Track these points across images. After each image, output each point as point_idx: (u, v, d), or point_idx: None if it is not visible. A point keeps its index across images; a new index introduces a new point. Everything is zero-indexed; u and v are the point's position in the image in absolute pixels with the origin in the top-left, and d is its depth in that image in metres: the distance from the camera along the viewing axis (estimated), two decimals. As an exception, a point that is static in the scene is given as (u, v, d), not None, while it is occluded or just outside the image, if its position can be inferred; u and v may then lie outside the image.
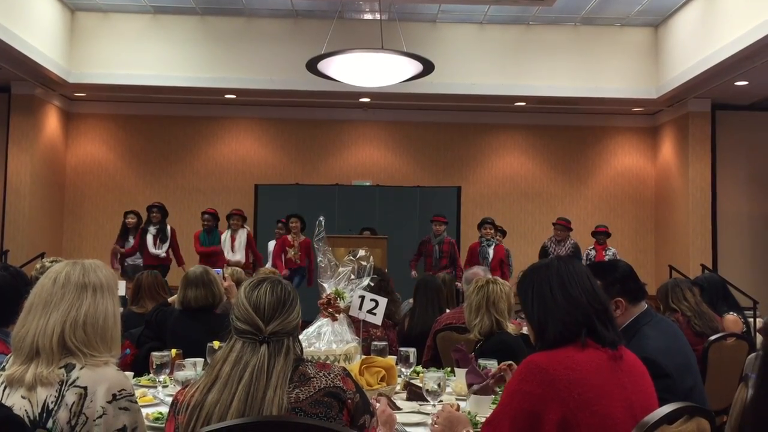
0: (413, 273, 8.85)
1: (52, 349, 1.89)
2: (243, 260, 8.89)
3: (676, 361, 2.69)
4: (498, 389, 2.94)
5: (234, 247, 9.06)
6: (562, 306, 2.07)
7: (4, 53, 8.52)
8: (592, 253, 9.07)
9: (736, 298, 8.97)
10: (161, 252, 8.96)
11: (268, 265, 9.05)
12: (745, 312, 8.18)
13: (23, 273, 2.83)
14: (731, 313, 4.88)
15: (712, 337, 4.22)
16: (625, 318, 2.73)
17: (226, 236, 9.15)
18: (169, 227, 9.18)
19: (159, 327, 4.07)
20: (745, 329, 4.82)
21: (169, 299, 4.35)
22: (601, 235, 9.22)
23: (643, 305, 2.82)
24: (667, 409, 1.90)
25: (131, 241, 9.16)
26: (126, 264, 8.74)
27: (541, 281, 2.13)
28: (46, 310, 1.94)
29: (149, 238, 8.99)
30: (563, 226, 9.07)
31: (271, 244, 9.49)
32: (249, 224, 10.89)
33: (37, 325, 1.92)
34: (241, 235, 9.13)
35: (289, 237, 9.04)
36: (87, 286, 1.99)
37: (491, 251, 8.77)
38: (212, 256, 8.69)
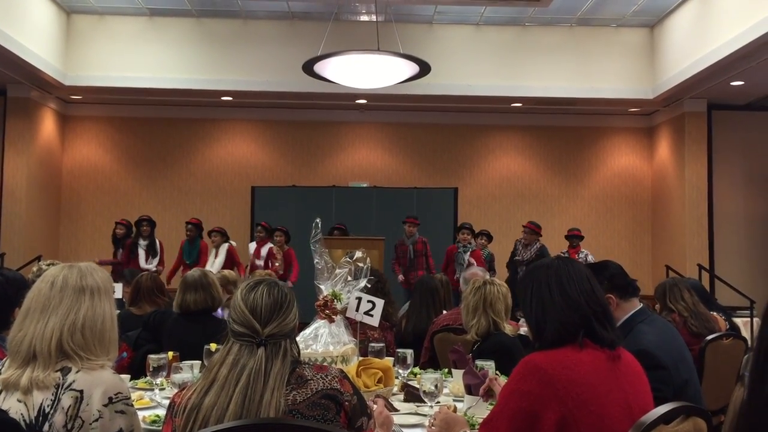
0: (400, 277, 9.11)
1: (50, 352, 1.89)
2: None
3: (672, 354, 2.77)
4: (488, 404, 2.90)
5: (215, 262, 9.04)
6: (560, 307, 2.07)
7: (-1, 56, 8.51)
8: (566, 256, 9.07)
9: (734, 297, 9.06)
10: (152, 267, 9.01)
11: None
12: (741, 312, 8.24)
13: (20, 278, 2.78)
14: (713, 312, 4.88)
15: (709, 337, 4.22)
16: (618, 314, 2.79)
17: (211, 252, 9.23)
18: (158, 241, 9.24)
19: (157, 329, 4.06)
20: (728, 327, 4.82)
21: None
22: (574, 238, 9.33)
23: (637, 303, 2.92)
24: (663, 408, 1.91)
25: (119, 253, 9.20)
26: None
27: (540, 281, 2.13)
28: (44, 314, 1.93)
29: (141, 253, 9.05)
30: (531, 230, 9.08)
31: (252, 246, 9.49)
32: (245, 226, 10.94)
33: (35, 330, 1.91)
34: (221, 253, 9.14)
35: (274, 249, 9.12)
36: (85, 290, 1.99)
37: (467, 257, 8.81)
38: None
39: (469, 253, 8.85)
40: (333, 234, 9.55)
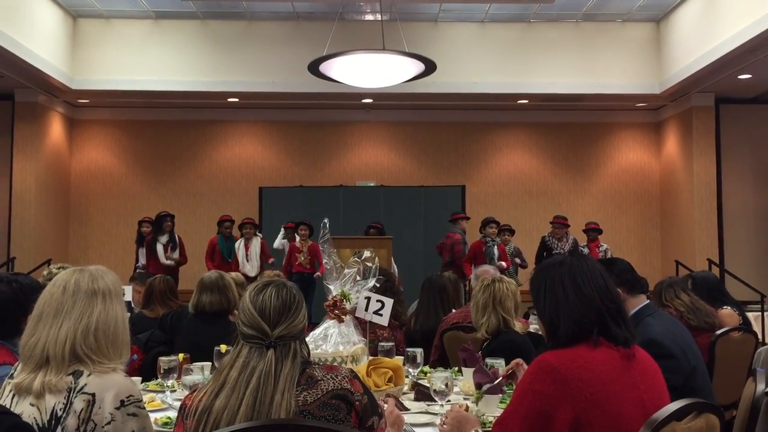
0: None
1: (63, 356, 1.90)
2: (257, 271, 9.15)
3: (678, 343, 2.90)
4: (507, 388, 2.94)
5: (248, 255, 9.36)
6: (575, 304, 2.05)
7: (6, 61, 8.54)
8: (586, 250, 9.19)
9: (744, 291, 9.01)
10: (172, 262, 9.22)
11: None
12: (752, 306, 8.21)
13: (36, 284, 2.74)
14: (726, 307, 4.86)
15: (719, 332, 4.21)
16: (626, 309, 2.85)
17: (239, 245, 9.43)
18: (177, 236, 9.46)
19: (173, 329, 4.09)
20: (741, 322, 4.80)
21: None
22: (593, 232, 9.51)
23: (644, 299, 3.09)
24: (675, 405, 1.90)
25: (141, 251, 9.42)
26: (136, 270, 8.84)
27: (554, 279, 2.11)
28: (57, 318, 1.94)
29: (159, 248, 9.19)
30: (561, 224, 9.43)
31: (285, 244, 9.59)
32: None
33: (48, 334, 1.92)
34: (255, 244, 9.45)
35: (298, 243, 9.33)
36: (97, 293, 1.99)
37: (496, 250, 9.05)
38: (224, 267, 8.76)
39: (496, 246, 9.10)
40: (369, 233, 9.55)
